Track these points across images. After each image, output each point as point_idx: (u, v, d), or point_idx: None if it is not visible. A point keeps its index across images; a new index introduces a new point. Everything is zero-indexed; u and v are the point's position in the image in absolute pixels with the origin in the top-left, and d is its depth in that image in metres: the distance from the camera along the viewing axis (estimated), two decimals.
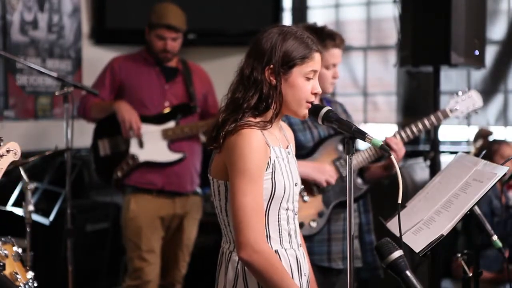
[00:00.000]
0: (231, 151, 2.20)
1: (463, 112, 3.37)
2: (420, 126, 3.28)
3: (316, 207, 3.18)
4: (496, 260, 4.30)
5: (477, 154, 4.30)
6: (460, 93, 3.38)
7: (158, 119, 4.14)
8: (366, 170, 3.35)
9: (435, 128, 3.75)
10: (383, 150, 2.14)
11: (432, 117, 3.31)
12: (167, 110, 4.17)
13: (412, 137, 3.28)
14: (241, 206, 2.17)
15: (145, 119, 4.12)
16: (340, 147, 3.26)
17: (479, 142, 4.55)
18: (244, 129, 2.20)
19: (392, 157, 2.14)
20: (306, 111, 2.30)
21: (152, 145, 4.11)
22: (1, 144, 2.30)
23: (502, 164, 2.43)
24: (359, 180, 3.27)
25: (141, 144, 4.12)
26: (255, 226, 2.18)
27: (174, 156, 4.13)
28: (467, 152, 2.85)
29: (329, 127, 3.23)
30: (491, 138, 4.69)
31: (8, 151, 2.29)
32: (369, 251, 3.38)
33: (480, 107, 3.41)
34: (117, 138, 4.13)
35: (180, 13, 4.19)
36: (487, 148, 4.35)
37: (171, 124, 4.14)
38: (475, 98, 3.38)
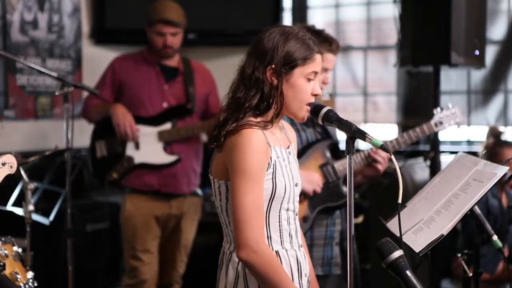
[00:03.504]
0: (231, 151, 2.20)
1: (446, 127, 3.43)
2: (406, 137, 3.31)
3: (302, 211, 3.17)
4: (492, 260, 4.30)
5: (485, 153, 4.30)
6: (444, 107, 3.43)
7: (155, 120, 4.14)
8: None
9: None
10: (383, 150, 2.14)
11: (418, 130, 3.34)
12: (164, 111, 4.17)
13: (398, 148, 3.32)
14: (241, 206, 2.17)
15: (142, 120, 4.12)
16: (328, 153, 3.26)
17: (489, 141, 4.54)
18: (245, 129, 2.20)
19: (393, 157, 2.14)
20: (305, 114, 2.30)
21: (148, 147, 4.12)
22: None
23: (503, 165, 2.43)
24: (345, 188, 3.25)
25: (137, 146, 4.12)
26: (255, 226, 2.18)
27: (169, 158, 4.13)
28: (467, 152, 2.84)
29: (316, 132, 3.28)
30: (500, 138, 4.66)
31: (3, 164, 2.26)
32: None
33: (462, 124, 3.47)
34: (114, 139, 4.13)
35: (178, 8, 4.18)
36: (490, 149, 4.34)
37: (167, 125, 4.14)
38: (458, 114, 3.44)
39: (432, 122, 3.38)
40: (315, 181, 3.16)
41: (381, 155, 3.20)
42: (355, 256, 3.41)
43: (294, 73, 2.26)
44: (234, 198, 2.19)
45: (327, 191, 3.21)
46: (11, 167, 2.29)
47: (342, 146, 3.43)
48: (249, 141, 2.19)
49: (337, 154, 3.28)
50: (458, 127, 3.49)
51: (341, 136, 3.35)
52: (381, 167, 3.23)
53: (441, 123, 3.40)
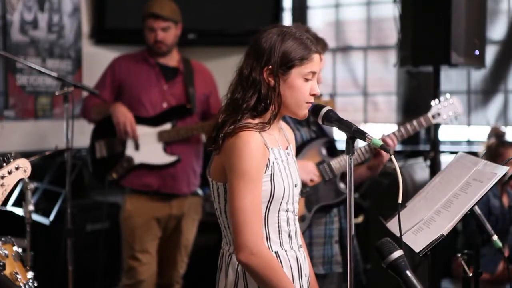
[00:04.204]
0: (229, 154, 2.20)
1: (445, 119, 3.36)
2: (403, 131, 3.27)
3: (299, 211, 3.16)
4: (492, 261, 4.30)
5: (486, 152, 4.29)
6: (442, 99, 3.38)
7: (155, 121, 4.14)
8: None
9: (436, 130, 3.76)
10: (384, 150, 2.13)
11: (415, 122, 3.29)
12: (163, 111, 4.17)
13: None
14: (239, 208, 2.17)
15: (142, 120, 4.11)
16: (323, 151, 3.25)
17: (491, 141, 4.52)
18: (243, 131, 2.19)
19: (393, 157, 2.14)
20: (306, 112, 2.30)
21: (147, 148, 4.11)
22: (11, 160, 2.25)
23: (503, 165, 2.43)
24: (342, 185, 3.25)
25: (137, 146, 4.12)
26: (253, 228, 2.17)
27: (168, 159, 4.13)
28: (468, 152, 2.84)
29: (311, 130, 3.27)
30: (503, 138, 4.64)
31: (17, 168, 2.25)
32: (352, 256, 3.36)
33: (461, 114, 3.42)
34: (114, 140, 4.13)
35: (170, 3, 4.18)
36: (494, 149, 4.33)
37: (167, 126, 4.14)
38: (456, 105, 3.38)
39: (430, 114, 3.33)
40: (311, 171, 3.15)
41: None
42: (357, 253, 3.40)
43: (292, 73, 2.25)
44: (232, 200, 2.19)
45: (324, 189, 3.20)
46: (24, 171, 2.27)
47: (339, 144, 3.42)
48: (246, 143, 2.18)
49: (333, 152, 3.27)
50: (456, 119, 3.44)
51: (338, 135, 3.34)
52: (385, 154, 3.18)
53: (439, 114, 3.34)
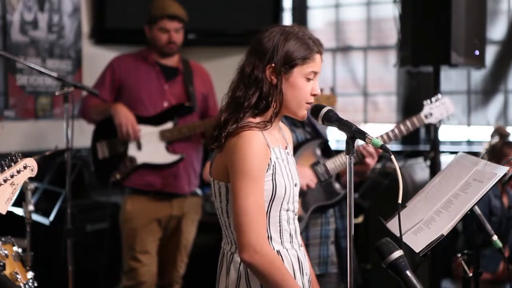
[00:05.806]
0: (232, 153, 2.20)
1: (437, 118, 3.38)
2: (396, 131, 3.27)
3: None
4: (493, 260, 4.30)
5: (490, 151, 4.29)
6: (433, 99, 3.39)
7: (156, 120, 4.14)
8: (343, 175, 3.32)
9: (436, 130, 3.76)
10: (384, 150, 2.14)
11: (408, 123, 3.30)
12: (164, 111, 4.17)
13: (388, 142, 3.29)
14: (243, 208, 2.18)
15: (143, 120, 4.11)
16: (318, 151, 3.25)
17: (494, 140, 4.50)
18: (245, 130, 2.20)
19: (392, 157, 2.14)
20: (305, 112, 2.31)
21: (150, 147, 4.11)
22: (19, 159, 2.29)
23: (503, 165, 2.42)
24: (337, 185, 3.25)
25: (139, 146, 4.12)
26: (257, 227, 2.18)
27: (172, 158, 4.13)
28: (468, 152, 2.84)
29: (306, 131, 3.27)
30: (507, 139, 4.62)
31: (25, 167, 2.29)
32: (345, 256, 3.36)
33: (453, 114, 3.43)
34: (115, 140, 4.12)
35: (178, 4, 4.21)
36: (499, 149, 4.32)
37: (169, 125, 4.14)
38: (448, 105, 3.40)
39: (422, 114, 3.35)
40: (308, 176, 3.15)
41: (369, 150, 3.17)
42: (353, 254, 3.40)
43: (294, 72, 2.26)
44: (236, 200, 2.19)
45: (320, 190, 3.20)
46: (32, 170, 2.32)
47: (335, 145, 3.42)
48: (249, 143, 2.19)
49: (327, 152, 3.27)
50: (449, 119, 3.46)
51: (334, 135, 3.34)
52: (370, 162, 3.19)
53: (431, 114, 3.36)
